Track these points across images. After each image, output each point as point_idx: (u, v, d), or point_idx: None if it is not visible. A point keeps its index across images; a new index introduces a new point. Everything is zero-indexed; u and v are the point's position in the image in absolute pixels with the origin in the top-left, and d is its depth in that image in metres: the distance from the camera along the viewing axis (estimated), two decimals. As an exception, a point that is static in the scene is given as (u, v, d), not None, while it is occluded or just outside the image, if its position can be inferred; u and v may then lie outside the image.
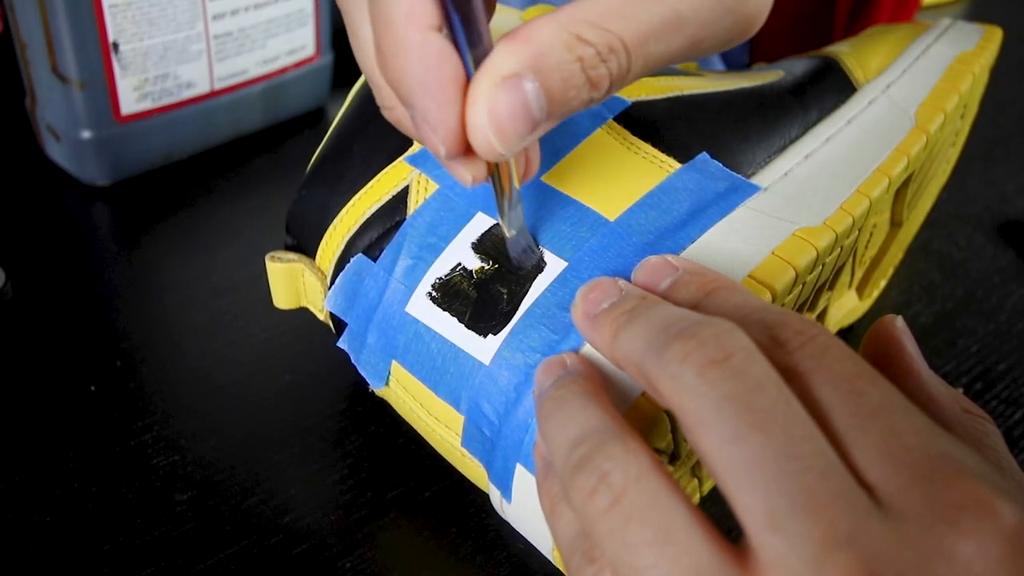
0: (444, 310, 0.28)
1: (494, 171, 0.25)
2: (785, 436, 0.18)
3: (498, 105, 0.20)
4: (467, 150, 0.22)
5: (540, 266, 0.27)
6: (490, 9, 0.23)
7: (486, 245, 0.28)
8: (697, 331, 0.20)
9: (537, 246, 0.28)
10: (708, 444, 0.19)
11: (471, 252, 0.28)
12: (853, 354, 0.20)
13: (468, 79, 0.21)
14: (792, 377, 0.20)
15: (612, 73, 0.21)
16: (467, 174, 0.24)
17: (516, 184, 0.25)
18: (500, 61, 0.20)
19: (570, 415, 0.22)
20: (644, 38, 0.21)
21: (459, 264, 0.28)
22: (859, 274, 0.39)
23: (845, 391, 0.19)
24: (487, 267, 0.28)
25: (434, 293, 0.28)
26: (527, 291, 0.27)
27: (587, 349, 0.25)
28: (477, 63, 0.21)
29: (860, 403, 0.19)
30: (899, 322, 0.24)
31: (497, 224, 0.28)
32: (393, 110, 0.25)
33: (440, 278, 0.28)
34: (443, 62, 0.21)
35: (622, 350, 0.22)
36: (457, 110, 0.21)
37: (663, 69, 0.34)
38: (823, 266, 0.29)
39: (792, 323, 0.21)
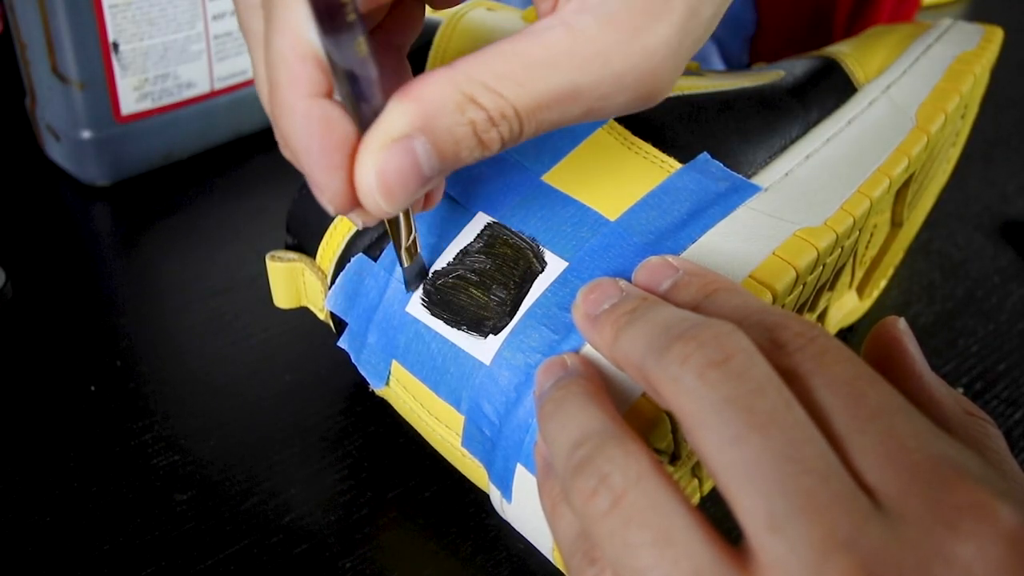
0: (444, 310, 0.28)
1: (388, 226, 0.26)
2: (785, 438, 0.18)
3: (387, 167, 0.21)
4: (356, 204, 0.22)
5: (535, 269, 0.27)
6: (409, 29, 0.24)
7: (487, 245, 0.28)
8: (697, 333, 0.20)
9: (425, 269, 0.28)
10: (708, 446, 0.19)
11: (472, 252, 0.28)
12: (853, 356, 0.20)
13: (360, 135, 0.21)
14: (792, 379, 0.20)
15: (503, 137, 0.21)
16: (358, 220, 0.24)
17: (410, 222, 0.26)
18: (390, 122, 0.20)
19: (571, 416, 0.22)
20: (538, 107, 0.21)
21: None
22: (859, 274, 0.39)
23: (845, 393, 0.19)
24: (488, 267, 0.28)
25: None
26: (527, 291, 0.27)
27: (587, 349, 0.25)
28: (368, 120, 0.21)
29: (860, 405, 0.19)
30: (901, 324, 0.24)
31: (497, 223, 0.28)
32: (286, 149, 0.25)
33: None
34: (328, 129, 0.21)
35: (623, 351, 0.22)
36: (342, 175, 0.21)
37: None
38: (824, 266, 0.29)
39: (792, 325, 0.21)
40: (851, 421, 0.19)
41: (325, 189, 0.22)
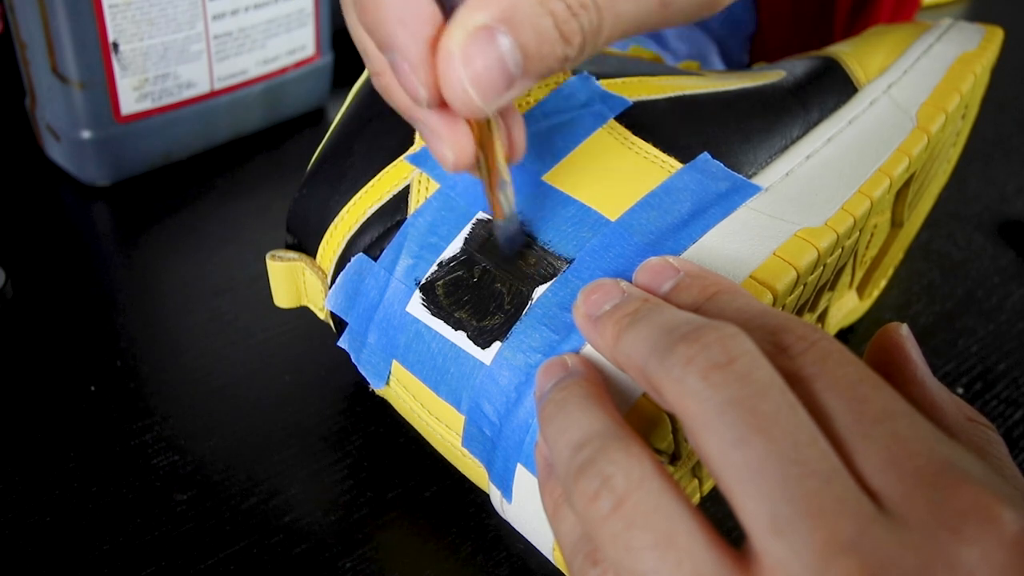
0: (445, 310, 0.28)
1: (478, 152, 0.24)
2: (788, 441, 0.18)
3: (473, 57, 0.20)
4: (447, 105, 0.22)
5: (535, 270, 0.27)
6: None
7: (487, 244, 0.28)
8: (701, 335, 0.20)
9: (526, 233, 0.27)
10: (711, 448, 0.19)
11: (472, 252, 0.28)
12: (856, 360, 0.20)
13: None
14: (795, 382, 0.20)
15: (584, 28, 0.21)
16: (449, 152, 0.24)
17: (502, 163, 0.25)
18: (472, 12, 0.20)
19: (572, 418, 0.22)
20: None
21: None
22: (860, 274, 0.39)
23: (848, 397, 0.19)
24: (488, 267, 0.28)
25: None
26: (528, 293, 0.27)
27: (588, 350, 0.25)
28: (449, 13, 0.21)
29: (863, 409, 0.19)
30: (904, 329, 0.24)
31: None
32: (381, 75, 0.25)
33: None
34: (422, 4, 0.21)
35: (624, 352, 0.22)
36: (438, 51, 0.21)
37: (665, 69, 0.34)
38: (824, 267, 0.29)
39: (794, 328, 0.21)
40: (854, 425, 0.19)
41: (420, 65, 0.21)
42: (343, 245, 0.31)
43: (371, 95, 0.32)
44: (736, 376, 0.19)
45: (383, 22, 0.22)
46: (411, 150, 0.31)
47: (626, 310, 0.23)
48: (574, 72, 0.32)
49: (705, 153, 0.29)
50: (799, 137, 0.31)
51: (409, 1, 0.21)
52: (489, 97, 0.21)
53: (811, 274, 0.28)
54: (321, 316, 0.33)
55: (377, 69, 0.25)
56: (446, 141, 0.24)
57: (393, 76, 0.24)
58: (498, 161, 0.25)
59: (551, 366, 0.24)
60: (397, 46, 0.21)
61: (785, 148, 0.31)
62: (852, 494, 0.18)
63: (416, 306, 0.28)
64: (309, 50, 0.53)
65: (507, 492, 0.27)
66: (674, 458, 0.27)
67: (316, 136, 0.46)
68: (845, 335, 0.41)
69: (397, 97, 0.25)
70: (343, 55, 0.55)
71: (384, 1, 0.21)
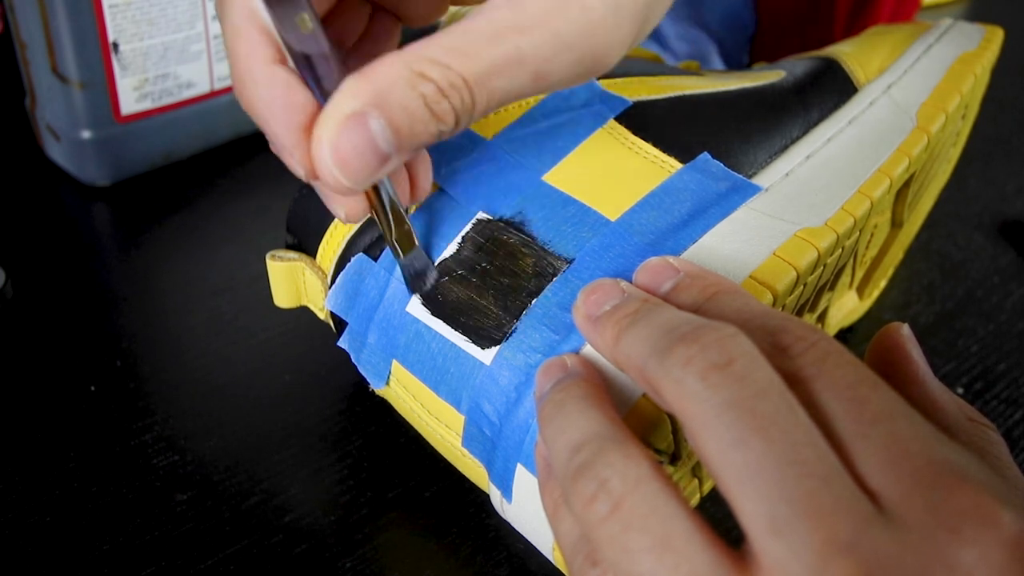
0: (445, 310, 0.28)
1: (373, 197, 0.26)
2: (787, 441, 0.18)
3: (342, 141, 0.21)
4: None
5: (535, 270, 0.27)
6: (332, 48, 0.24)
7: (487, 245, 0.28)
8: (700, 335, 0.20)
9: (434, 270, 0.28)
10: (710, 448, 0.19)
11: (472, 252, 0.28)
12: (855, 360, 0.20)
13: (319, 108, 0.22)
14: (794, 383, 0.20)
15: (456, 107, 0.22)
16: (341, 211, 0.26)
17: (398, 208, 0.26)
18: (343, 99, 0.21)
19: (570, 419, 0.22)
20: (485, 75, 0.21)
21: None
22: (859, 274, 0.39)
23: (847, 397, 0.19)
24: (488, 267, 0.28)
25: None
26: (529, 292, 0.27)
27: (588, 350, 0.25)
28: (325, 96, 0.22)
29: (862, 410, 0.19)
30: (904, 329, 0.24)
31: (497, 222, 0.28)
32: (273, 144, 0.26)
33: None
34: (288, 91, 0.22)
35: (624, 353, 0.22)
36: (307, 137, 0.22)
37: (665, 69, 0.34)
38: (824, 267, 0.29)
39: (794, 329, 0.21)
40: (853, 425, 0.19)
41: (293, 150, 0.23)
42: (343, 245, 0.31)
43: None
44: (735, 377, 0.19)
45: (254, 111, 0.23)
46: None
47: (626, 310, 0.23)
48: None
49: (705, 153, 0.29)
50: (799, 137, 0.31)
51: (278, 92, 0.22)
52: (359, 177, 0.22)
53: (811, 274, 0.28)
54: (321, 316, 0.33)
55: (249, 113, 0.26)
56: (336, 202, 0.26)
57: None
58: (387, 212, 0.26)
59: (550, 367, 0.24)
60: (269, 133, 0.23)
61: (785, 148, 0.31)
62: (851, 494, 0.18)
63: (416, 306, 0.28)
64: (309, 50, 0.53)
65: (507, 492, 0.27)
66: (674, 458, 0.27)
67: (316, 136, 0.46)
68: (845, 335, 0.41)
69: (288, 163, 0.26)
70: (343, 55, 0.55)
71: (254, 91, 0.23)
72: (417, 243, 0.28)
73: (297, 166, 0.23)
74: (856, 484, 0.18)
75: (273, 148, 0.25)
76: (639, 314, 0.22)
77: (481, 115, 0.22)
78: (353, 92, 0.21)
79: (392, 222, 0.27)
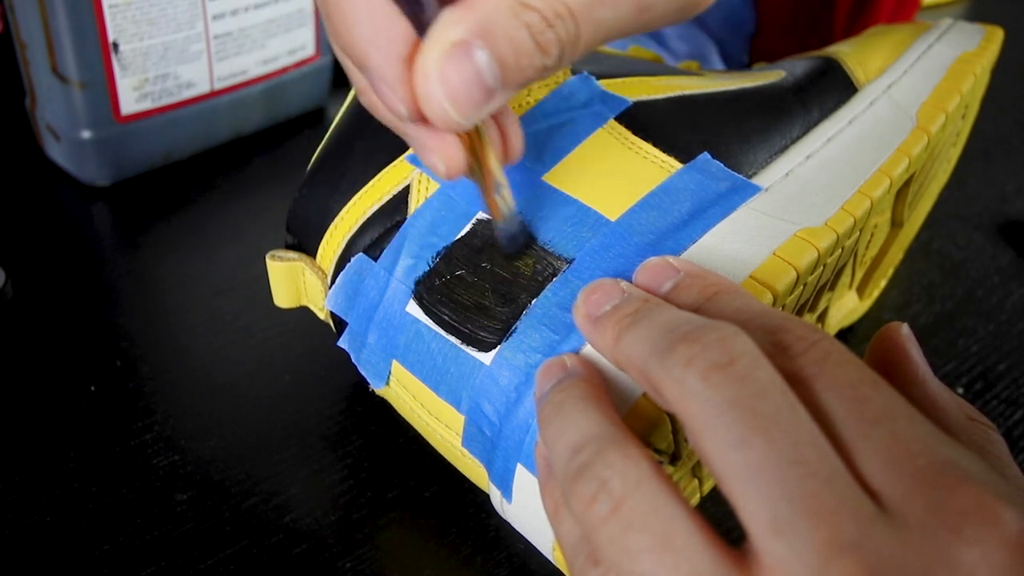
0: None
1: (470, 159, 0.25)
2: (789, 441, 0.18)
3: (450, 73, 0.20)
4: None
5: (535, 270, 0.27)
6: None
7: (487, 244, 0.28)
8: (701, 335, 0.20)
9: (528, 233, 0.27)
10: (712, 448, 0.19)
11: (472, 252, 0.28)
12: (856, 360, 0.20)
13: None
14: (795, 383, 0.20)
15: (561, 38, 0.21)
16: (439, 163, 0.24)
17: (496, 167, 0.25)
18: (447, 29, 0.20)
19: (570, 420, 0.22)
20: (589, 3, 0.21)
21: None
22: (859, 274, 0.39)
23: (848, 397, 0.19)
24: (488, 267, 0.28)
25: (435, 293, 0.28)
26: (528, 293, 0.27)
27: (588, 350, 0.25)
28: (422, 29, 0.21)
29: (864, 409, 0.19)
30: (904, 329, 0.24)
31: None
32: (365, 93, 0.25)
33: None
34: (390, 20, 0.21)
35: (625, 353, 0.22)
36: (410, 67, 0.21)
37: (665, 69, 0.34)
38: (824, 267, 0.29)
39: (794, 328, 0.21)
40: (855, 425, 0.19)
41: (396, 84, 0.21)
42: (343, 245, 0.31)
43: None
44: (736, 376, 0.19)
45: (355, 45, 0.22)
46: (411, 150, 0.31)
47: (626, 310, 0.23)
48: (574, 72, 0.32)
49: (705, 153, 0.29)
50: (799, 137, 0.31)
51: (379, 22, 0.21)
52: (467, 112, 0.21)
53: (811, 274, 0.28)
54: (321, 316, 0.33)
55: (360, 87, 0.25)
56: (435, 152, 0.24)
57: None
58: (491, 165, 0.25)
59: (550, 367, 0.24)
60: (371, 67, 0.22)
61: (785, 148, 0.31)
62: (852, 494, 0.18)
63: (416, 306, 0.28)
64: (309, 50, 0.53)
65: (507, 492, 0.27)
66: (674, 458, 0.27)
67: (316, 136, 0.46)
68: (845, 335, 0.41)
69: (382, 113, 0.25)
70: (343, 55, 0.55)
71: (354, 24, 0.21)
72: (514, 203, 0.27)
73: (399, 103, 0.22)
74: (858, 484, 0.18)
75: (362, 95, 0.24)
76: (639, 314, 0.22)
77: (584, 51, 0.22)
78: (455, 20, 0.20)
79: (491, 177, 0.25)
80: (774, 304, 0.26)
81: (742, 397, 0.19)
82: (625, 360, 0.22)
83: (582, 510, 0.20)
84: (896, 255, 0.42)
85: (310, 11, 0.51)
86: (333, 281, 0.31)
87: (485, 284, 0.27)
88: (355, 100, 0.34)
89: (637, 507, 0.19)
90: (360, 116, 0.33)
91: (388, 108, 0.22)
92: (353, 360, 0.31)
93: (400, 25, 0.21)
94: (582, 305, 0.24)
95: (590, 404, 0.22)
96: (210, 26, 0.47)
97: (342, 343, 0.31)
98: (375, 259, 0.29)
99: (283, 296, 0.33)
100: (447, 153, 0.24)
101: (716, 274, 0.24)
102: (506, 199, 0.26)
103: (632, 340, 0.22)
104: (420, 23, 0.21)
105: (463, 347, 0.27)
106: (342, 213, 0.31)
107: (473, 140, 0.25)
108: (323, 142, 0.34)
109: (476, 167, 0.25)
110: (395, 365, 0.29)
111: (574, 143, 0.30)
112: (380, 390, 0.31)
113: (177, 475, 0.33)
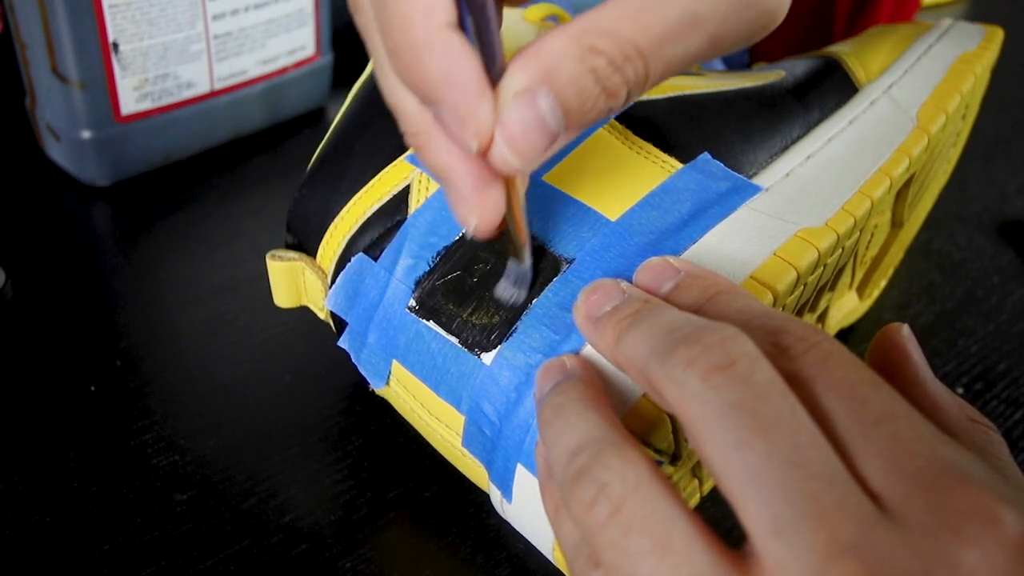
0: (445, 310, 0.28)
1: (507, 216, 0.25)
2: (789, 443, 0.18)
3: (511, 119, 0.21)
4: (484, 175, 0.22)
5: (536, 269, 0.27)
6: (498, 19, 0.23)
7: (487, 245, 0.28)
8: (701, 336, 0.20)
9: (528, 283, 0.27)
10: (712, 450, 0.19)
11: (472, 252, 0.28)
12: (857, 361, 0.20)
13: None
14: (796, 384, 0.20)
15: (629, 80, 0.21)
16: (473, 217, 0.24)
17: (525, 222, 0.25)
18: (511, 77, 0.21)
19: (569, 423, 0.22)
20: (659, 41, 0.21)
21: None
22: (860, 274, 0.39)
23: (849, 398, 0.19)
24: (488, 267, 0.28)
25: (435, 293, 0.28)
26: (528, 292, 0.27)
27: (588, 350, 0.25)
28: (489, 70, 0.21)
29: (864, 410, 0.19)
30: (904, 330, 0.23)
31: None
32: (418, 136, 0.24)
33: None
34: (467, 56, 0.21)
35: (625, 354, 0.22)
36: (488, 100, 0.21)
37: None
38: (824, 267, 0.29)
39: (795, 329, 0.21)
40: (855, 426, 0.19)
41: (470, 117, 0.21)
42: (343, 245, 0.30)
43: (371, 95, 0.32)
44: (737, 378, 0.19)
45: (427, 80, 0.21)
46: (411, 150, 0.31)
47: (626, 311, 0.23)
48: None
49: (705, 153, 0.29)
50: (799, 137, 0.31)
51: (456, 57, 0.21)
52: (529, 157, 0.21)
53: (811, 274, 0.28)
54: (321, 316, 0.33)
55: (412, 131, 0.24)
56: (472, 207, 0.24)
57: (429, 136, 0.24)
58: (524, 217, 0.25)
59: (550, 368, 0.24)
60: (446, 100, 0.21)
61: (785, 148, 0.31)
62: (853, 496, 0.18)
63: (416, 306, 0.28)
64: (309, 50, 0.53)
65: (507, 492, 0.27)
66: (674, 458, 0.27)
67: (316, 136, 0.46)
68: (845, 335, 0.41)
69: (432, 157, 0.25)
70: (343, 55, 0.55)
71: (429, 59, 0.21)
72: (530, 257, 0.27)
73: (472, 136, 0.21)
74: (858, 485, 0.18)
75: (412, 141, 0.24)
76: (639, 315, 0.22)
77: (653, 85, 0.22)
78: (521, 68, 0.20)
79: (526, 231, 0.26)
80: (775, 304, 0.26)
81: (743, 399, 0.19)
82: (625, 361, 0.22)
83: (581, 513, 0.20)
84: (896, 255, 0.42)
85: (310, 11, 0.51)
86: (333, 281, 0.31)
87: (485, 284, 0.27)
88: (355, 100, 0.34)
89: (636, 510, 0.19)
90: (361, 116, 0.33)
91: (455, 141, 0.22)
92: (353, 360, 0.31)
93: (475, 61, 0.21)
94: (582, 306, 0.24)
95: (589, 407, 0.22)
96: (210, 26, 0.47)
97: (342, 343, 0.31)
98: (375, 259, 0.29)
99: (283, 296, 0.33)
100: (486, 209, 0.24)
101: (717, 274, 0.24)
102: (525, 258, 0.26)
103: (632, 341, 0.22)
104: (487, 62, 0.21)
105: (463, 347, 0.27)
106: (342, 213, 0.31)
107: (511, 194, 0.25)
108: (323, 142, 0.34)
109: (509, 222, 0.25)
110: (395, 365, 0.29)
111: (574, 143, 0.30)
112: (380, 390, 0.31)
113: (177, 475, 0.33)
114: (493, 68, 0.21)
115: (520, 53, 0.21)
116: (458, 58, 0.21)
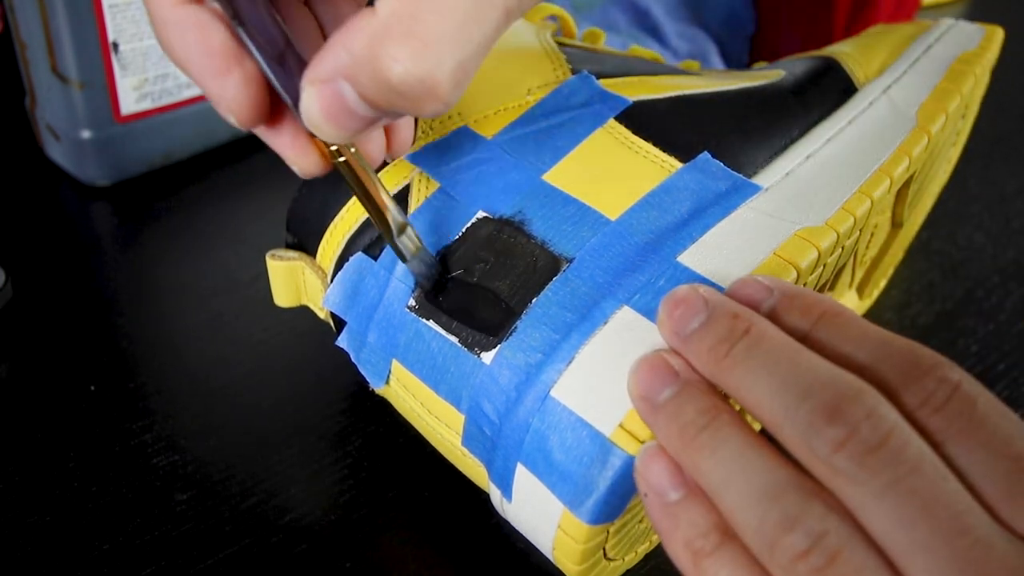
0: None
1: (366, 203, 0.25)
2: (948, 514, 0.18)
3: (322, 95, 0.21)
4: (260, 116, 0.22)
5: (535, 269, 0.27)
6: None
7: (487, 244, 0.28)
8: (845, 411, 0.20)
9: (440, 267, 0.28)
10: (876, 528, 0.19)
11: (472, 251, 0.28)
12: (1001, 407, 0.20)
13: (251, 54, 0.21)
14: (943, 439, 0.20)
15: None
16: (297, 164, 0.25)
17: (392, 206, 0.26)
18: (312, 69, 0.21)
19: (746, 458, 0.21)
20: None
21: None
22: (859, 274, 0.39)
23: (1003, 456, 0.19)
24: (488, 267, 0.28)
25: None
26: (529, 291, 0.27)
27: (588, 349, 0.25)
28: (261, 49, 0.21)
29: (1013, 468, 0.19)
30: None
31: (498, 220, 0.28)
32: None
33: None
34: (203, 33, 0.21)
35: (742, 389, 0.21)
36: (234, 80, 0.21)
37: (665, 68, 0.34)
38: (824, 266, 0.29)
39: (926, 362, 0.21)
40: (1013, 487, 0.19)
41: (220, 99, 0.22)
42: (343, 244, 0.31)
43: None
44: (890, 458, 0.19)
45: (172, 57, 0.22)
46: (411, 149, 0.31)
47: (718, 333, 0.22)
48: (574, 71, 0.32)
49: (705, 153, 0.29)
50: (799, 137, 0.31)
51: (190, 37, 0.21)
52: (338, 135, 0.21)
53: (811, 274, 0.28)
54: (321, 316, 0.33)
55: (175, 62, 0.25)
56: (297, 155, 0.25)
57: None
58: (387, 208, 0.26)
59: (655, 366, 0.23)
60: (193, 79, 0.22)
61: (785, 148, 0.31)
62: (1014, 551, 0.18)
63: (416, 305, 0.28)
64: (309, 50, 0.53)
65: (507, 491, 0.27)
66: None
67: (316, 136, 0.46)
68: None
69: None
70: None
71: (167, 38, 0.21)
72: (420, 243, 0.27)
73: (227, 113, 0.22)
74: (1017, 538, 0.18)
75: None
76: (751, 344, 0.22)
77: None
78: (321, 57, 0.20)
79: (391, 223, 0.26)
80: None
81: (898, 477, 0.19)
82: (741, 397, 0.21)
83: (789, 562, 0.19)
84: (896, 255, 0.42)
85: (310, 11, 0.51)
86: (333, 280, 0.31)
87: (485, 283, 0.27)
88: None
89: (850, 560, 0.19)
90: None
91: (218, 112, 0.22)
92: (353, 359, 0.31)
93: (215, 36, 0.21)
94: (667, 321, 0.23)
95: (752, 439, 0.21)
96: (210, 26, 0.47)
97: (341, 342, 0.30)
98: (375, 258, 0.29)
99: (283, 295, 0.33)
100: (305, 157, 0.25)
101: (808, 291, 0.23)
102: (412, 238, 0.27)
103: (752, 378, 0.21)
104: (260, 40, 0.21)
105: (463, 346, 0.27)
106: (342, 212, 0.31)
107: (365, 184, 0.25)
108: (323, 142, 0.33)
109: (372, 214, 0.26)
110: (395, 364, 0.29)
111: (574, 142, 0.30)
112: (380, 390, 0.31)
113: (177, 475, 0.33)
114: (266, 47, 0.21)
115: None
116: (192, 37, 0.21)
